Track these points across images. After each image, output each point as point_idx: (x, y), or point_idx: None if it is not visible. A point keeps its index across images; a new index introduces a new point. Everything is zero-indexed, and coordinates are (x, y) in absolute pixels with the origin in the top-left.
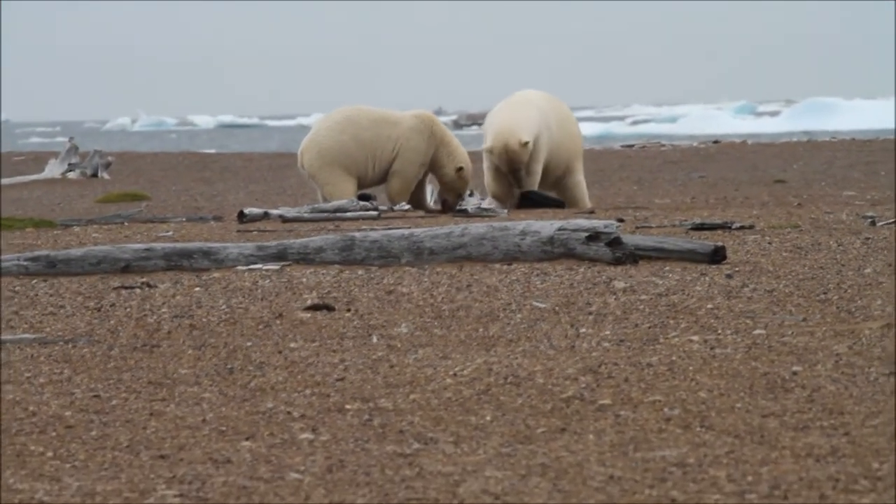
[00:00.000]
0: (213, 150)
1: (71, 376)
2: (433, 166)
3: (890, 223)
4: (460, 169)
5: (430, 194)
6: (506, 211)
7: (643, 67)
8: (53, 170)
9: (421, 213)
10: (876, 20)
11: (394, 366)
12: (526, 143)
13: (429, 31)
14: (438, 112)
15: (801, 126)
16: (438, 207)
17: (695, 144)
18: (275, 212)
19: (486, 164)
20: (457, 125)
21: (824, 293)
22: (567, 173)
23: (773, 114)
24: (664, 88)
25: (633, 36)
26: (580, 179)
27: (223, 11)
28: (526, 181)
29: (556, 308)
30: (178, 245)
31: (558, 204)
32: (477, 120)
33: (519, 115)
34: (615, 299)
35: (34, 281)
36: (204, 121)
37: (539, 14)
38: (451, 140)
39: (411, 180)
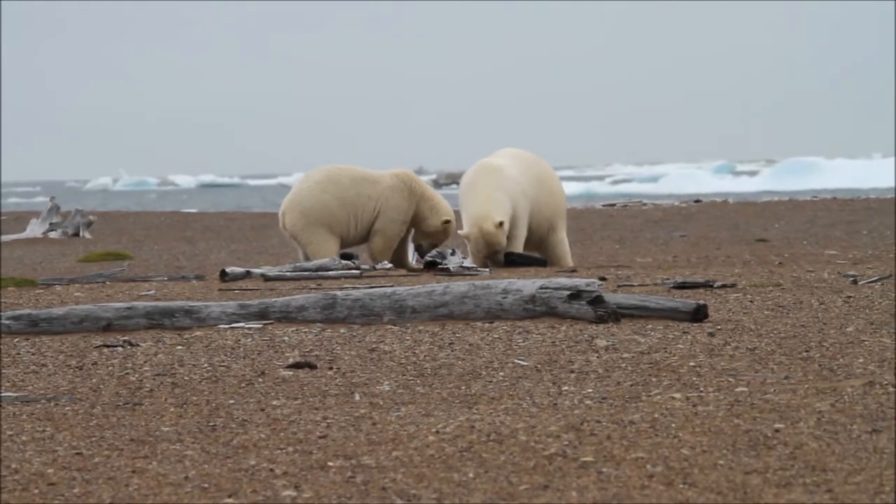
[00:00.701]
0: (194, 210)
1: (53, 434)
2: (416, 221)
3: (872, 281)
4: (447, 222)
5: (412, 253)
6: (488, 269)
7: (622, 127)
8: (35, 229)
9: (403, 271)
10: (857, 80)
11: (376, 423)
12: (501, 224)
13: (409, 91)
14: (419, 171)
15: (782, 185)
16: (420, 266)
17: (676, 203)
18: (257, 270)
19: (469, 246)
20: (436, 184)
21: (806, 351)
22: (550, 231)
23: (752, 173)
24: (644, 148)
25: (612, 95)
26: (563, 237)
27: (203, 71)
28: (511, 245)
29: (539, 366)
30: (160, 304)
31: (540, 263)
32: (456, 179)
33: (490, 195)
34: (597, 357)
35: (16, 340)
36: (185, 180)
37: (519, 74)
38: (432, 195)
39: (393, 238)
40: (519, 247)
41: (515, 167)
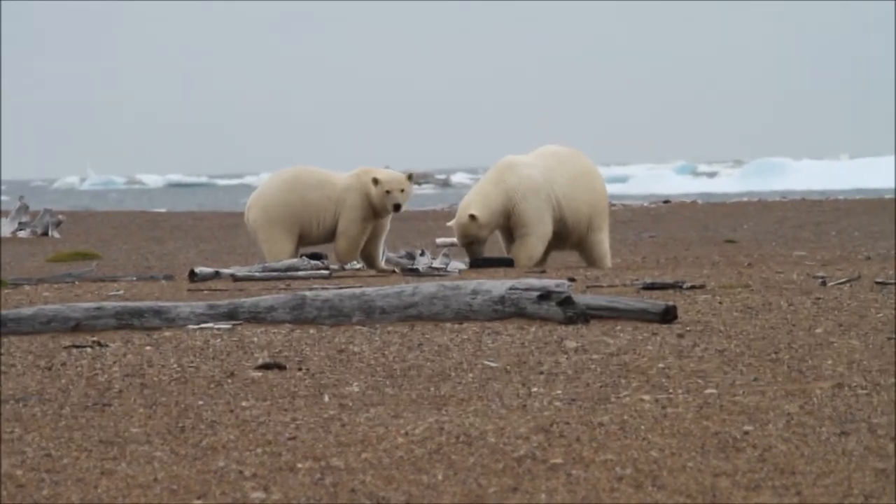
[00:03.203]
0: (163, 209)
1: (22, 435)
2: (374, 209)
3: (841, 283)
4: (375, 180)
5: (383, 254)
6: (457, 270)
7: (588, 128)
8: (3, 229)
9: (372, 272)
10: (823, 80)
11: (345, 425)
12: (473, 217)
13: (377, 91)
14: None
15: (751, 186)
16: (391, 267)
17: (645, 204)
18: (226, 271)
19: None
20: None
21: (775, 353)
22: (589, 230)
23: (711, 174)
24: (609, 148)
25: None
26: (602, 238)
27: (171, 69)
28: (523, 242)
29: (508, 367)
30: (129, 304)
31: (507, 263)
32: (418, 179)
33: (484, 185)
34: (567, 359)
35: None
36: (153, 179)
37: (487, 76)
38: (379, 175)
39: (356, 238)
40: (536, 245)
41: (544, 165)
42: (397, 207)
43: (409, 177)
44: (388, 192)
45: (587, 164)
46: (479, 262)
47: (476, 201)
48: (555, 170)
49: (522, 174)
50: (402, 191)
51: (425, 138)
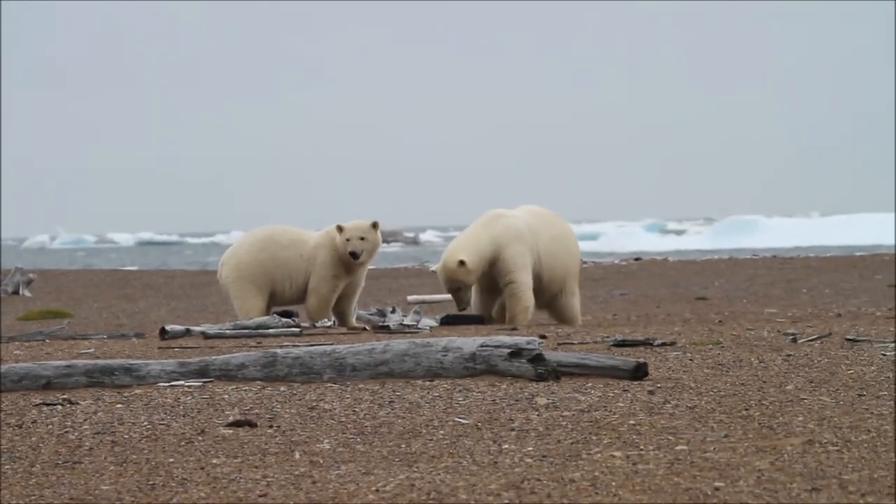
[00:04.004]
0: (134, 268)
1: None
2: (345, 264)
3: (811, 340)
4: (339, 228)
5: (354, 311)
6: (429, 327)
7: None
8: None
9: (343, 329)
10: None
11: (316, 482)
12: (462, 263)
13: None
14: None
15: (721, 244)
16: (361, 325)
17: (616, 262)
18: (196, 328)
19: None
20: None
21: (746, 409)
22: (561, 292)
23: (679, 232)
24: (579, 206)
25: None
26: (572, 301)
27: (138, 128)
28: (512, 295)
29: (479, 424)
30: (100, 362)
31: (477, 321)
32: (387, 237)
33: (472, 233)
34: (538, 415)
35: None
36: (123, 238)
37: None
38: (344, 223)
39: (327, 296)
40: (526, 295)
41: (528, 220)
42: (354, 255)
43: (374, 225)
44: (347, 239)
45: (566, 227)
46: (450, 320)
47: (464, 247)
48: (538, 226)
49: (509, 223)
50: (362, 238)
51: (396, 196)
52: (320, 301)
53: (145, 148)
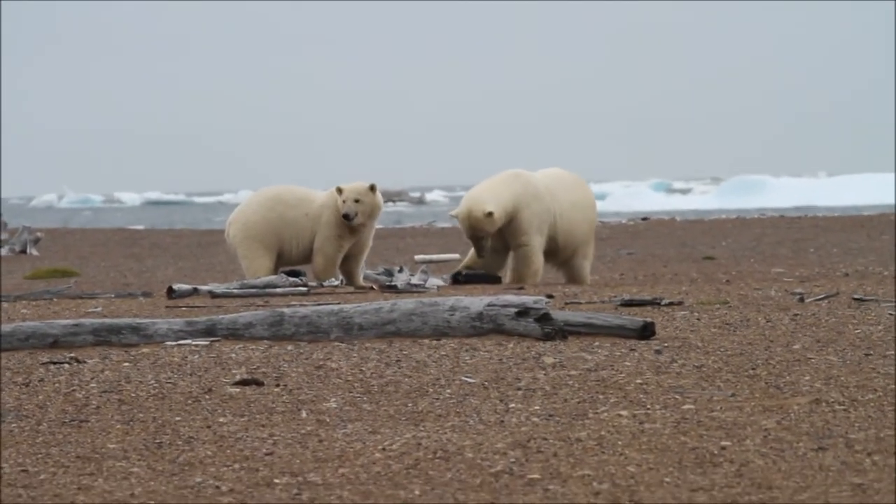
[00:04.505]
0: (141, 227)
1: None
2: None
3: (819, 299)
4: (338, 189)
5: (361, 271)
6: (436, 287)
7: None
8: None
9: (350, 288)
10: (799, 98)
11: (323, 440)
12: (490, 214)
13: (356, 109)
14: None
15: (729, 203)
16: (369, 284)
17: (624, 222)
18: (204, 288)
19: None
20: None
21: (753, 369)
22: (574, 255)
23: (685, 191)
24: (586, 166)
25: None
26: (586, 264)
27: (146, 87)
28: (524, 257)
29: (486, 383)
30: (107, 321)
31: (494, 280)
32: (392, 197)
33: (495, 186)
34: (544, 374)
35: None
36: (130, 197)
37: (466, 95)
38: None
39: (333, 256)
40: (537, 257)
41: (548, 183)
42: (347, 217)
43: (372, 187)
44: (343, 201)
45: (588, 193)
46: (466, 278)
47: (490, 199)
48: (558, 191)
49: (529, 184)
50: (357, 201)
51: (404, 156)
52: (326, 261)
53: (152, 109)
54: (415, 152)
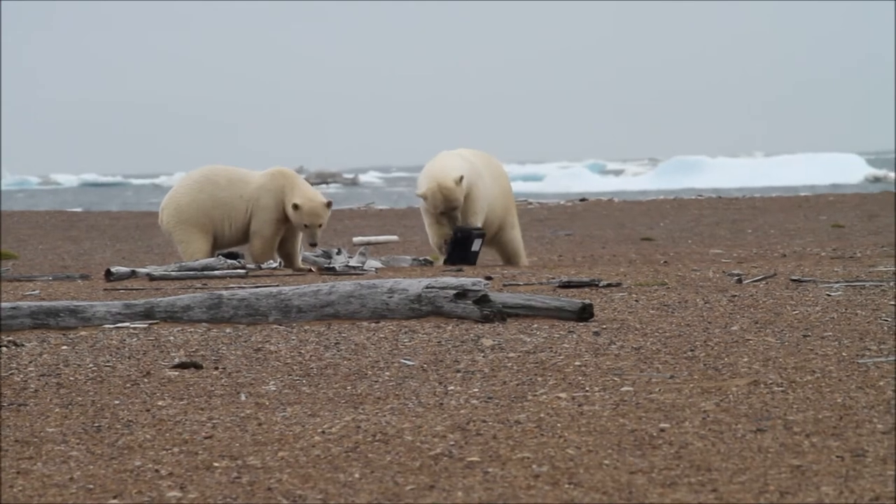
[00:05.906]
0: (79, 209)
1: None
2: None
3: (756, 280)
4: (295, 206)
5: (300, 253)
6: (374, 269)
7: (503, 126)
8: None
9: (289, 271)
10: (738, 78)
11: (262, 423)
12: (461, 178)
13: (290, 91)
14: (300, 170)
15: (666, 184)
16: (307, 266)
17: (562, 202)
18: (142, 270)
19: (425, 220)
20: (309, 183)
21: (691, 350)
22: (501, 229)
23: (618, 172)
24: (523, 147)
25: (492, 94)
26: (516, 235)
27: (84, 69)
28: (469, 222)
29: (425, 366)
30: (45, 303)
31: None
32: (326, 178)
33: (448, 161)
34: (483, 357)
35: None
36: (67, 179)
37: (399, 77)
38: (296, 186)
39: (270, 239)
40: (479, 223)
41: (474, 161)
42: (313, 245)
43: (328, 204)
44: (306, 226)
45: (501, 166)
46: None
47: (453, 167)
48: (481, 168)
49: (468, 162)
50: (320, 226)
51: (336, 138)
52: (264, 243)
53: (88, 88)
54: (346, 134)
